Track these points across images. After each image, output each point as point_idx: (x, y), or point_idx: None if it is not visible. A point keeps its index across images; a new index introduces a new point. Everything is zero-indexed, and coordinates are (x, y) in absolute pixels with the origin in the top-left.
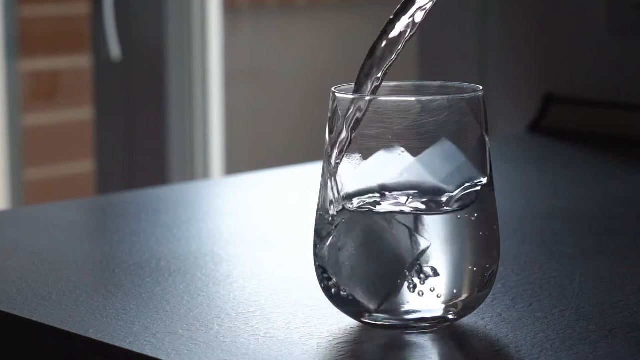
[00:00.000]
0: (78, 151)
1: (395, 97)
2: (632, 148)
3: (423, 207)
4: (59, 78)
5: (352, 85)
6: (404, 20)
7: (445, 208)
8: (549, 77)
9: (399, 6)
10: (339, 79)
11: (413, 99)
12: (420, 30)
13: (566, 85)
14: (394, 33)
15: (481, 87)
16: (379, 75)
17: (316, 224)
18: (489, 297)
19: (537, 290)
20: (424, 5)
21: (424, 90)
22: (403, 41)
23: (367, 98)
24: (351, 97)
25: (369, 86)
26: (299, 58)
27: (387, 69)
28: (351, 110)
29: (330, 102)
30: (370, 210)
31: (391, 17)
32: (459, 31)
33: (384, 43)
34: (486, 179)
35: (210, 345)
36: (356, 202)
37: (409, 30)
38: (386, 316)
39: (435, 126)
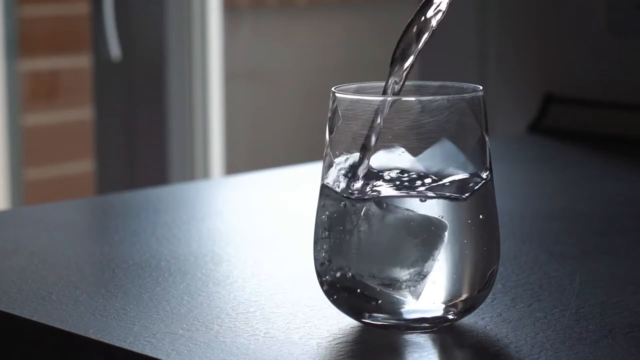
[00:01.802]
0: (78, 151)
1: (395, 97)
2: (632, 148)
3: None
4: (59, 78)
5: (352, 85)
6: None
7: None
8: (549, 77)
9: None
10: (338, 79)
11: (413, 99)
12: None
13: (566, 85)
14: (429, 13)
15: (481, 87)
16: (414, 55)
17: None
18: (489, 297)
19: (537, 290)
20: None
21: (424, 90)
22: (432, 26)
23: (368, 98)
24: (351, 97)
25: (407, 65)
26: (299, 58)
27: (418, 52)
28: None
29: (330, 102)
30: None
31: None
32: (459, 31)
33: (415, 27)
34: (486, 178)
35: (210, 345)
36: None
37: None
38: (386, 316)
39: (435, 126)
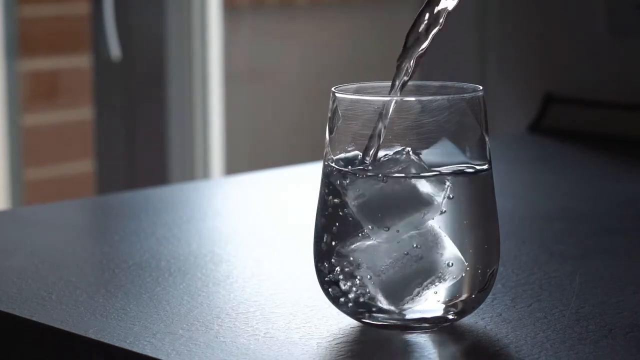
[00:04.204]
0: (78, 151)
1: (395, 97)
2: (632, 148)
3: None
4: (59, 78)
5: (352, 85)
6: None
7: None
8: (549, 77)
9: None
10: (338, 79)
11: (413, 99)
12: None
13: (566, 85)
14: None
15: (481, 87)
16: (424, 46)
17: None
18: (489, 297)
19: (537, 290)
20: None
21: (424, 90)
22: (444, 14)
23: (368, 98)
24: (351, 97)
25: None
26: (299, 58)
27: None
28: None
29: (330, 102)
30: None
31: None
32: (459, 31)
33: (426, 17)
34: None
35: (210, 345)
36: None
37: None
38: (386, 316)
39: (435, 126)
